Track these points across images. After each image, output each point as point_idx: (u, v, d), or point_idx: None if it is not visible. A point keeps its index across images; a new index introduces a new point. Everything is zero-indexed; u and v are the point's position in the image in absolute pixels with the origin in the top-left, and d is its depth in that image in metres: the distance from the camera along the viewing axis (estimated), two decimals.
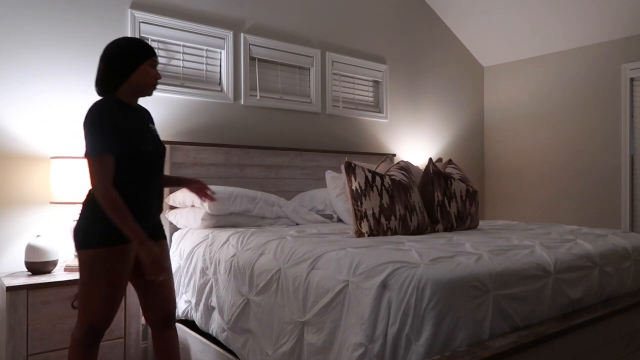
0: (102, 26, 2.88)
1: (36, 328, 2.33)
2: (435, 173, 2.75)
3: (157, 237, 2.05)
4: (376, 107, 4.34)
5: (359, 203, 2.40)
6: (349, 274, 1.69)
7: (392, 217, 2.41)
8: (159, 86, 3.06)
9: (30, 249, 2.48)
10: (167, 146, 2.97)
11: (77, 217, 1.95)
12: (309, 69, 3.86)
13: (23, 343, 2.29)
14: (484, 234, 2.43)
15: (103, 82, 1.93)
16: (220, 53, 3.40)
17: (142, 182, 1.93)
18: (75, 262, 2.62)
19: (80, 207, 1.96)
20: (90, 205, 1.87)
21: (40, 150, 2.67)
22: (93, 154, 1.79)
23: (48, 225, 2.69)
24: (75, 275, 2.49)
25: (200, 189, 2.32)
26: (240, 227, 2.84)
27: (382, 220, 2.39)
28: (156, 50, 3.08)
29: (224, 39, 3.38)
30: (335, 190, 3.23)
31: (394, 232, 2.42)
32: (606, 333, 1.79)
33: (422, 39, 4.69)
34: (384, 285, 1.55)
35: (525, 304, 1.65)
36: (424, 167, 4.53)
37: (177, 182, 2.38)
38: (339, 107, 4.02)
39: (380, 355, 1.48)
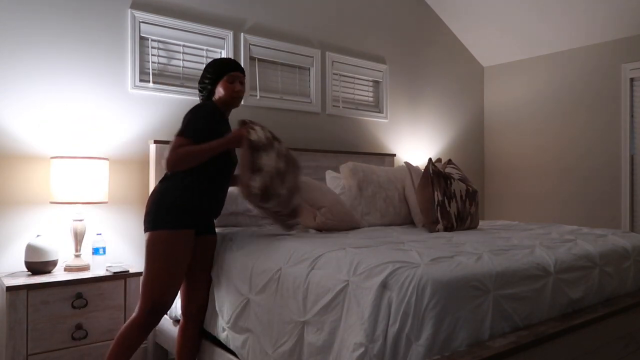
0: (102, 26, 2.88)
1: (36, 328, 2.33)
2: (435, 173, 2.75)
3: (210, 231, 2.35)
4: (376, 107, 4.34)
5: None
6: (349, 273, 1.69)
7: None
8: (158, 86, 3.07)
9: (30, 249, 2.48)
10: (167, 146, 2.96)
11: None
12: (309, 69, 3.86)
13: (23, 343, 2.30)
14: (484, 234, 2.44)
15: (201, 89, 2.37)
16: (220, 53, 3.40)
17: (219, 179, 2.24)
18: (76, 263, 2.62)
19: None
20: (161, 190, 2.15)
21: (40, 150, 2.67)
22: (180, 134, 2.11)
23: (48, 225, 2.69)
24: (76, 275, 2.50)
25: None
26: (241, 226, 2.84)
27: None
28: (156, 50, 3.09)
29: (224, 39, 3.38)
30: (335, 190, 3.23)
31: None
32: (606, 333, 1.79)
33: (422, 39, 4.69)
34: (384, 285, 1.55)
35: (525, 304, 1.65)
36: (424, 167, 4.54)
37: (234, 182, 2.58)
38: (339, 107, 4.02)
39: (380, 355, 1.48)
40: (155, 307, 2.10)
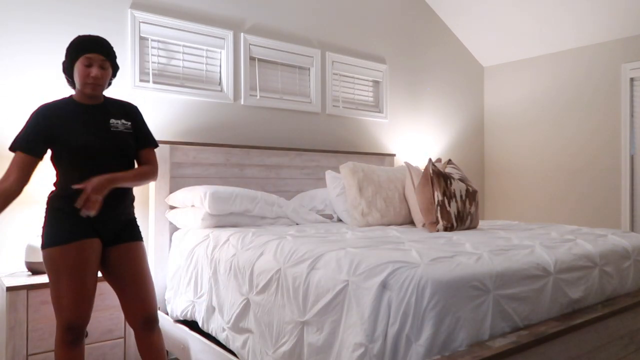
0: (102, 26, 2.88)
1: (36, 328, 2.33)
2: (435, 173, 2.75)
3: (124, 239, 2.08)
4: (376, 107, 4.34)
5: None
6: (349, 273, 1.69)
7: None
8: (159, 86, 3.06)
9: (30, 249, 2.48)
10: (167, 146, 2.97)
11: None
12: (309, 69, 3.86)
13: (23, 343, 2.30)
14: (484, 234, 2.43)
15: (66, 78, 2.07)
16: (220, 53, 3.40)
17: (85, 178, 1.92)
18: None
19: None
20: (47, 204, 2.00)
21: None
22: (10, 148, 1.94)
23: None
24: None
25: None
26: (241, 227, 2.84)
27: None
28: (156, 50, 3.09)
29: (224, 39, 3.38)
30: (335, 190, 3.23)
31: None
32: (606, 333, 1.79)
33: (422, 39, 4.69)
34: (384, 285, 1.55)
35: (525, 304, 1.65)
36: (424, 167, 4.54)
37: None
38: (339, 107, 4.02)
39: (380, 355, 1.48)
40: (71, 323, 1.91)
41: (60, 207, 1.95)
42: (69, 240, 1.91)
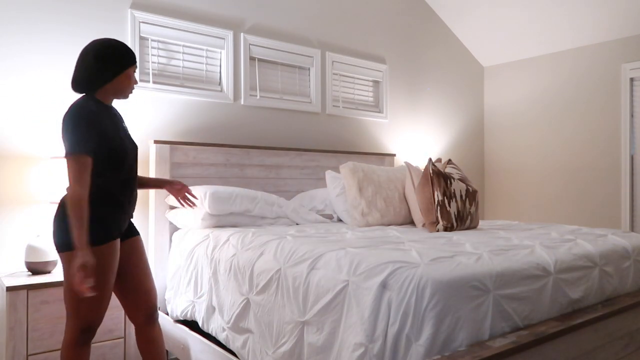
0: (102, 26, 2.88)
1: (36, 328, 2.33)
2: (435, 173, 2.75)
3: (133, 233, 2.17)
4: (376, 107, 4.34)
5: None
6: (349, 273, 1.69)
7: None
8: (158, 86, 3.07)
9: (30, 249, 2.48)
10: (167, 146, 2.97)
11: (53, 219, 1.95)
12: (309, 69, 3.86)
13: (23, 343, 2.29)
14: (484, 234, 2.43)
15: (86, 82, 1.94)
16: (220, 53, 3.40)
17: (125, 180, 2.01)
18: None
19: (56, 208, 1.96)
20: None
21: (40, 150, 2.67)
22: (71, 153, 1.82)
23: (48, 225, 2.69)
24: None
25: (180, 191, 2.40)
26: (241, 226, 2.84)
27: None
28: (156, 50, 3.09)
29: (224, 39, 3.38)
30: (335, 190, 3.23)
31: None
32: (606, 333, 1.79)
33: (422, 39, 4.69)
34: (384, 285, 1.55)
35: (525, 304, 1.65)
36: (424, 167, 4.54)
37: (157, 184, 2.38)
38: (339, 107, 4.02)
39: (380, 355, 1.48)
40: (91, 324, 1.92)
41: (96, 208, 1.90)
42: (106, 241, 1.92)
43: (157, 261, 2.89)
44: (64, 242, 1.87)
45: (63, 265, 1.89)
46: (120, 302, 2.16)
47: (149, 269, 2.19)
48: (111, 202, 1.96)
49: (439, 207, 2.69)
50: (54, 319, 2.38)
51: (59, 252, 1.89)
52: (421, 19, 4.69)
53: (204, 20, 3.29)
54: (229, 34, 3.39)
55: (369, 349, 1.50)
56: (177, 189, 2.39)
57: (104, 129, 1.91)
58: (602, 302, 1.95)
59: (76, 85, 1.96)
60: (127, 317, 2.56)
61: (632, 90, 4.19)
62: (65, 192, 1.96)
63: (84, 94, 1.97)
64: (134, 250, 2.14)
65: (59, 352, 2.38)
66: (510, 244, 2.06)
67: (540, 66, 4.80)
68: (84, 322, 1.91)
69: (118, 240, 1.98)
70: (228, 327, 2.22)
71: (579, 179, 4.48)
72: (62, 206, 1.91)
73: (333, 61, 3.97)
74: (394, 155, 4.25)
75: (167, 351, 2.86)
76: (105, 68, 1.93)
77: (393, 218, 3.10)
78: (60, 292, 2.40)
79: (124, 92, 2.03)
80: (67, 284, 1.90)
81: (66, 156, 1.83)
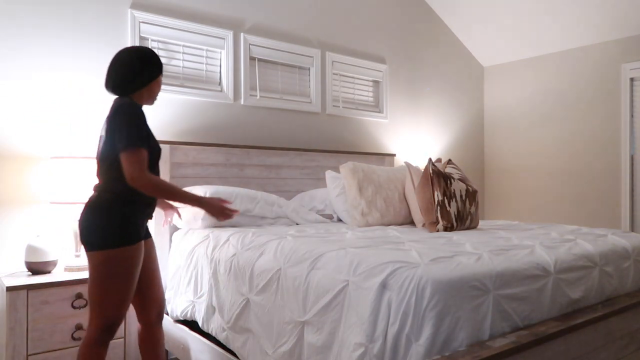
0: (102, 26, 2.88)
1: (36, 328, 2.33)
2: (435, 173, 2.75)
3: (148, 234, 2.22)
4: (376, 107, 4.34)
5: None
6: (349, 273, 1.69)
7: None
8: None
9: (30, 249, 2.48)
10: (167, 146, 2.97)
11: (82, 217, 1.95)
12: (309, 69, 3.86)
13: (23, 343, 2.30)
14: (484, 234, 2.43)
15: (127, 83, 2.02)
16: (220, 53, 3.40)
17: None
18: (76, 263, 2.62)
19: (85, 207, 1.97)
20: (104, 204, 1.93)
21: (40, 150, 2.67)
22: (133, 147, 1.88)
23: (48, 225, 2.69)
24: (76, 275, 2.49)
25: (169, 210, 2.48)
26: (240, 226, 2.84)
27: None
28: (156, 50, 3.09)
29: (224, 39, 3.38)
30: (335, 190, 3.23)
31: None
32: (606, 333, 1.79)
33: (422, 39, 4.69)
34: (384, 285, 1.55)
35: (525, 304, 1.65)
36: (424, 167, 4.54)
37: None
38: (339, 107, 4.02)
39: (380, 355, 1.48)
40: (113, 322, 1.96)
41: (126, 208, 1.95)
42: (136, 240, 1.98)
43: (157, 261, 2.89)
44: (93, 241, 1.90)
45: (96, 263, 1.90)
46: (133, 301, 2.19)
47: (159, 271, 2.27)
48: (141, 202, 2.01)
49: (439, 207, 2.69)
50: (54, 319, 2.38)
51: (87, 251, 1.93)
52: (421, 19, 4.69)
53: (204, 20, 3.29)
54: (229, 34, 3.39)
55: (369, 349, 1.50)
56: (168, 208, 2.49)
57: (148, 129, 2.02)
58: (602, 302, 1.95)
59: (116, 86, 2.02)
60: (127, 318, 2.56)
61: (632, 90, 4.19)
62: (96, 192, 1.97)
63: (120, 96, 2.03)
64: (150, 250, 2.21)
65: (59, 352, 2.38)
66: (510, 244, 2.06)
67: (540, 66, 4.80)
68: (108, 319, 1.94)
69: (141, 243, 2.02)
70: (228, 327, 2.22)
71: (579, 178, 4.48)
72: (91, 206, 1.94)
73: (333, 61, 3.97)
74: (394, 155, 4.25)
75: (167, 351, 2.86)
76: (149, 71, 2.05)
77: (393, 218, 3.10)
78: (60, 292, 2.40)
79: (153, 97, 2.14)
80: (99, 282, 1.91)
81: (126, 150, 1.87)
